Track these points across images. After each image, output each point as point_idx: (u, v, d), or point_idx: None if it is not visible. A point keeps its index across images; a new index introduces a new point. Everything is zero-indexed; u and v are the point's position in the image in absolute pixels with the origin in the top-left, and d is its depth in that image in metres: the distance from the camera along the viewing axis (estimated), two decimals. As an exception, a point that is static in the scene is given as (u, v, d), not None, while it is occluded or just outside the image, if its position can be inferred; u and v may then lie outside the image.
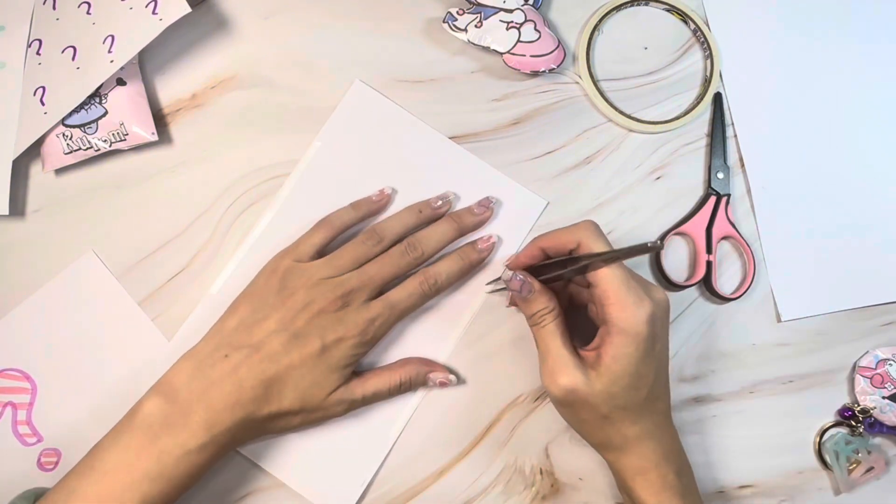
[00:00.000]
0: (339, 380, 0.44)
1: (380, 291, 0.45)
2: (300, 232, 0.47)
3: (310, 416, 0.44)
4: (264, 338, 0.42)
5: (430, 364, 0.48)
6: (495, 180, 0.50)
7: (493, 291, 0.49)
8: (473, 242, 0.48)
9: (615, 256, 0.40)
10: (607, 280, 0.40)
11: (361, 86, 0.51)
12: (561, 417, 0.45)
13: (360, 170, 0.50)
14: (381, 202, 0.49)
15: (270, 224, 0.49)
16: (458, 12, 0.50)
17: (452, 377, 0.47)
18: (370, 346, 0.45)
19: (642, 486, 0.42)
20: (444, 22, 0.50)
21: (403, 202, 0.49)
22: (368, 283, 0.44)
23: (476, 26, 0.50)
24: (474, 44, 0.50)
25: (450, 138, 0.51)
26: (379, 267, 0.45)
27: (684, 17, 0.54)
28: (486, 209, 0.49)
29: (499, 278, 0.48)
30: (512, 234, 0.50)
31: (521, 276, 0.43)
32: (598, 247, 0.41)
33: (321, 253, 0.46)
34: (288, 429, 0.45)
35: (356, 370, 0.46)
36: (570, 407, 0.42)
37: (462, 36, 0.50)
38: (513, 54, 0.50)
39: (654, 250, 0.38)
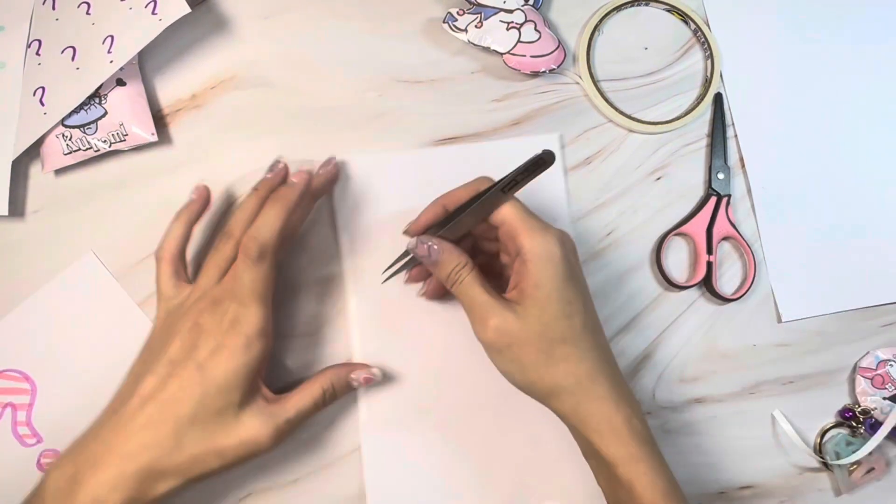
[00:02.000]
0: (239, 397, 0.40)
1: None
2: None
3: (226, 452, 0.40)
4: (146, 383, 0.40)
5: (349, 365, 0.46)
6: (505, 147, 0.50)
7: (388, 278, 0.46)
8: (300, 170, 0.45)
9: (512, 179, 0.39)
10: (510, 215, 0.40)
11: (356, 154, 0.50)
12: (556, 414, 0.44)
13: (398, 221, 0.46)
14: (200, 198, 0.46)
15: None
16: (458, 12, 0.50)
17: (376, 370, 0.45)
18: (255, 351, 0.40)
19: (609, 437, 0.39)
20: (444, 22, 0.50)
21: None
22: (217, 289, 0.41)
23: (476, 27, 0.50)
24: (474, 44, 0.50)
25: (449, 138, 0.51)
26: (233, 277, 0.41)
27: (684, 18, 0.54)
28: (330, 165, 0.47)
29: (393, 263, 0.45)
30: (547, 181, 0.48)
31: (426, 241, 0.41)
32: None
33: (191, 274, 0.45)
34: (210, 472, 0.40)
35: (271, 395, 0.42)
36: (509, 351, 0.39)
37: (462, 36, 0.50)
38: (513, 54, 0.50)
39: (548, 161, 0.37)
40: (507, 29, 0.50)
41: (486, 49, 0.50)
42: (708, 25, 0.54)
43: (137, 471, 0.38)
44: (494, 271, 0.45)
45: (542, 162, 0.37)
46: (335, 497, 0.47)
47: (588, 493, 0.45)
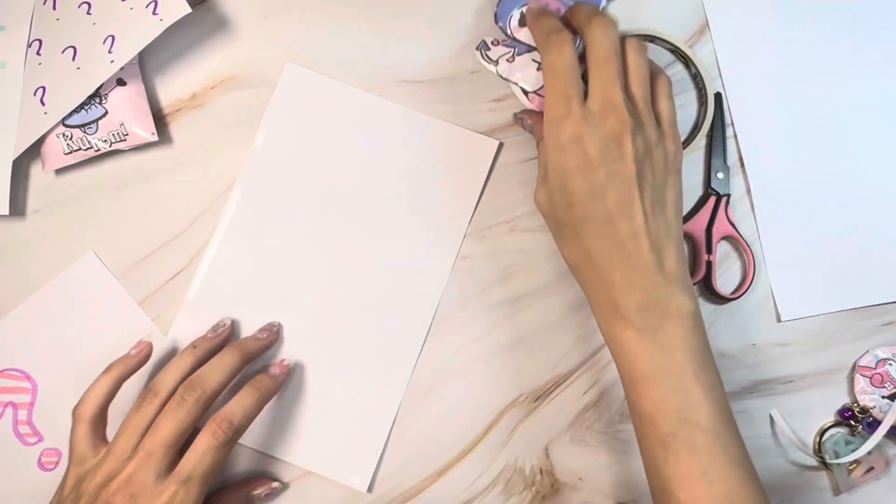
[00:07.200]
0: None
1: (179, 452, 0.40)
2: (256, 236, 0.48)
3: None
4: None
5: (248, 483, 0.46)
6: (444, 130, 0.51)
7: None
8: (266, 369, 0.45)
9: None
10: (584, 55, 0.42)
11: (295, 68, 0.51)
12: (559, 415, 0.45)
13: (310, 155, 0.50)
14: (139, 356, 0.44)
15: (231, 221, 0.49)
16: (492, 42, 0.48)
17: (276, 484, 0.46)
18: None
19: (600, 314, 0.42)
20: (476, 49, 0.48)
21: (360, 177, 0.49)
22: (149, 457, 0.38)
23: (508, 60, 0.48)
24: (502, 77, 0.48)
25: (450, 138, 0.51)
26: (155, 431, 0.39)
27: (686, 61, 0.52)
28: (269, 332, 0.47)
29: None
30: (470, 180, 0.51)
31: None
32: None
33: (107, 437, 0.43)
34: None
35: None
36: (544, 219, 0.44)
37: (492, 67, 0.48)
38: (538, 94, 0.48)
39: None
40: (538, 69, 0.48)
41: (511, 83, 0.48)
42: (706, 75, 0.51)
43: None
44: None
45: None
46: (335, 497, 0.47)
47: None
